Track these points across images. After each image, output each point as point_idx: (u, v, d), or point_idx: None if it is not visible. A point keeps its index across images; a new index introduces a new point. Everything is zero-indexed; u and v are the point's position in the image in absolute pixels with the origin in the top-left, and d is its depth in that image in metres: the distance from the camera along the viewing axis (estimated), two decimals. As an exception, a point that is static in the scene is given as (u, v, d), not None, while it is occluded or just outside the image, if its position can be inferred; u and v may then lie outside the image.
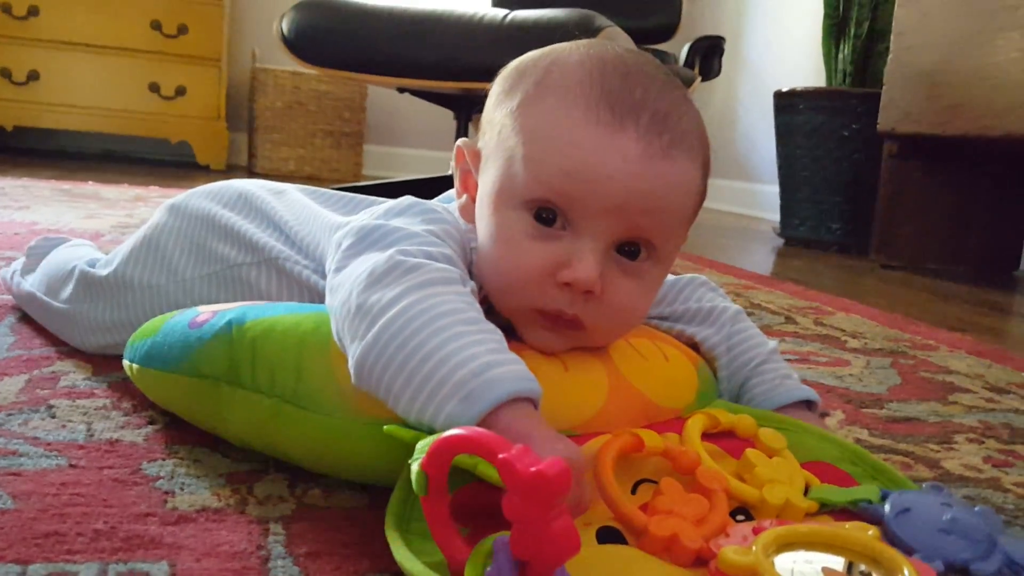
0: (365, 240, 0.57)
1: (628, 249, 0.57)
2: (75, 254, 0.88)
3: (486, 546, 0.42)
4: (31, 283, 0.89)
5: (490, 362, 0.48)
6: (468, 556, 0.42)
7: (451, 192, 0.67)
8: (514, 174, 0.56)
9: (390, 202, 0.63)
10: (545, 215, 0.56)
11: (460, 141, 0.64)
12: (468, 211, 0.62)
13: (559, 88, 0.56)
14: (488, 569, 0.41)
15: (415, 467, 0.44)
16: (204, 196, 0.79)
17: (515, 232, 0.56)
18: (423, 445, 0.44)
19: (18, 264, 0.96)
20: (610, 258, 0.56)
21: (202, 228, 0.76)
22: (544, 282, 0.56)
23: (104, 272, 0.79)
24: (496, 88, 0.62)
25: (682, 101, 0.58)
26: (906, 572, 0.46)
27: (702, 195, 0.61)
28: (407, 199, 0.62)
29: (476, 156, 0.62)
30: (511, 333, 0.59)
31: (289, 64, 3.04)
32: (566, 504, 0.39)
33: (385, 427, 0.48)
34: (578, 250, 0.55)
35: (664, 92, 0.57)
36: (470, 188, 0.63)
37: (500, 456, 0.40)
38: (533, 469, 0.38)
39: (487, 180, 0.59)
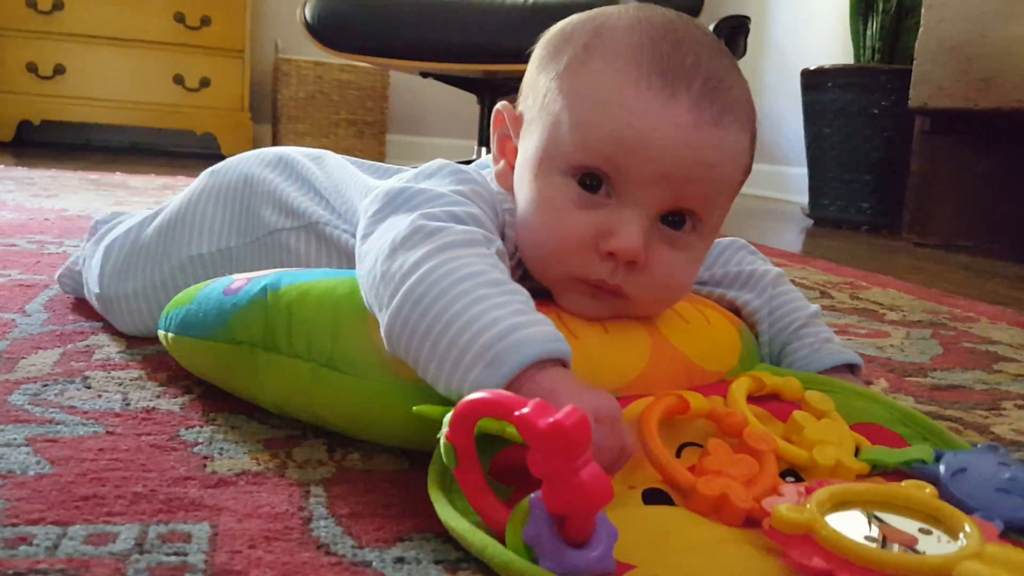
0: (391, 204, 0.55)
1: (673, 219, 0.55)
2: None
3: (523, 507, 0.41)
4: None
5: (515, 324, 0.46)
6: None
7: (487, 158, 0.66)
8: (560, 139, 0.55)
9: (421, 165, 0.62)
10: (590, 182, 0.54)
11: (500, 104, 0.62)
12: (505, 177, 0.61)
13: (608, 52, 0.55)
14: (526, 527, 0.40)
15: (442, 440, 0.43)
16: (244, 160, 0.78)
17: (558, 199, 0.55)
18: (448, 418, 0.43)
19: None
20: (655, 228, 0.55)
21: (244, 189, 0.74)
22: (587, 251, 0.54)
23: (149, 229, 0.77)
24: (539, 51, 0.60)
25: (732, 69, 0.57)
26: (968, 528, 0.44)
27: (749, 166, 0.59)
28: (438, 161, 0.61)
29: (517, 121, 0.60)
30: (548, 297, 0.58)
31: (312, 54, 3.04)
32: (591, 452, 0.38)
33: (415, 408, 0.47)
34: (623, 219, 0.53)
35: (715, 59, 0.55)
36: (508, 154, 0.61)
37: (516, 413, 0.39)
38: (550, 421, 0.37)
39: (529, 146, 0.58)
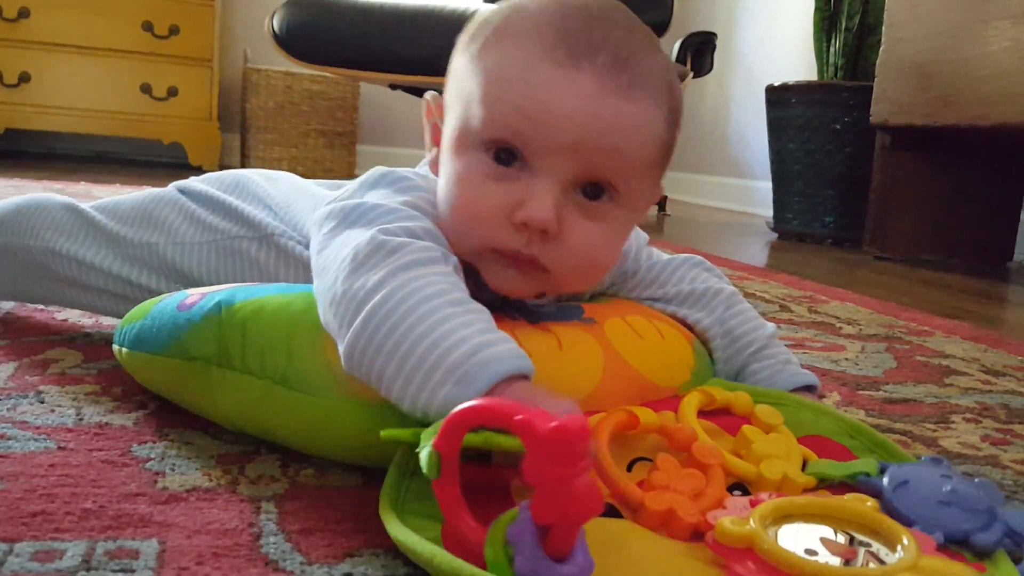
0: (346, 219, 0.56)
1: (590, 190, 0.56)
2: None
3: (511, 513, 0.40)
4: None
5: (482, 343, 0.47)
6: (484, 536, 0.41)
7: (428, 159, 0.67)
8: (471, 116, 0.56)
9: (363, 175, 0.63)
10: (504, 156, 0.55)
11: (428, 94, 0.63)
12: (437, 163, 0.61)
13: (518, 31, 0.56)
14: (511, 525, 0.40)
15: (426, 450, 0.43)
16: (203, 181, 0.80)
17: (473, 173, 0.56)
18: (431, 430, 0.43)
19: None
20: (569, 199, 0.55)
21: (202, 204, 0.77)
22: (500, 222, 0.55)
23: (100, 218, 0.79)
24: (460, 39, 0.61)
25: (647, 47, 0.57)
26: (906, 541, 0.45)
27: (669, 143, 0.59)
28: (379, 169, 0.62)
29: (441, 108, 0.61)
30: (495, 311, 0.58)
31: (281, 64, 3.03)
32: (588, 462, 0.38)
33: (382, 432, 0.47)
34: (534, 189, 0.54)
35: (628, 36, 0.56)
36: (438, 140, 0.62)
37: (516, 418, 0.39)
38: (553, 424, 0.37)
39: (448, 127, 0.59)
